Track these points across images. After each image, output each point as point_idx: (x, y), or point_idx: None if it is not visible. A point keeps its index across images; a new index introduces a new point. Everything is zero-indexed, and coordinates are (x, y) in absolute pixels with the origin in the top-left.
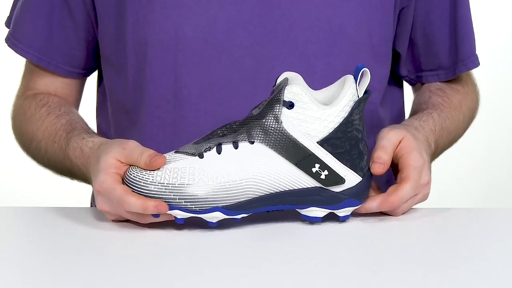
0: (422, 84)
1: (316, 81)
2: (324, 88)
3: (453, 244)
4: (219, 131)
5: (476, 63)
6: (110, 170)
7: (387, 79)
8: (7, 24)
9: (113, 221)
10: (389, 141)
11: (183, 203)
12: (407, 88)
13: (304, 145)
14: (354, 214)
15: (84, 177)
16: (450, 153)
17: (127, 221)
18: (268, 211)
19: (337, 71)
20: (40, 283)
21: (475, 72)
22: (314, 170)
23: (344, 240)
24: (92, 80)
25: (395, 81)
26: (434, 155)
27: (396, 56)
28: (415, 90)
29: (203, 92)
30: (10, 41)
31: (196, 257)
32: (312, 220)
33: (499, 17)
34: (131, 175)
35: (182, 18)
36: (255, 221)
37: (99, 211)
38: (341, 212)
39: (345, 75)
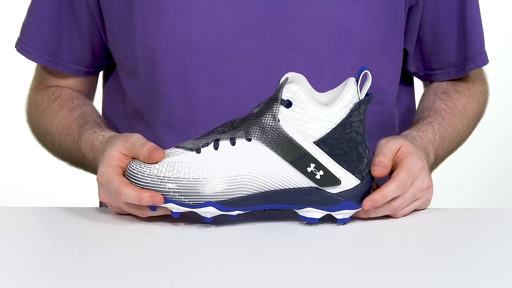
0: (431, 82)
1: (327, 86)
2: (329, 91)
3: (453, 244)
4: (220, 128)
5: (485, 61)
6: (112, 162)
7: (399, 78)
8: None
9: (116, 213)
10: (388, 148)
11: (177, 197)
12: (416, 85)
13: (300, 144)
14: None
15: (95, 170)
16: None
17: (129, 217)
18: (265, 210)
19: (347, 75)
20: (41, 283)
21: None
22: (309, 169)
23: (343, 240)
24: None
25: (403, 77)
26: (434, 165)
27: (404, 54)
28: (426, 85)
29: (213, 99)
30: (20, 46)
31: (194, 257)
32: (309, 221)
33: (499, 17)
34: (131, 167)
35: (191, 24)
36: (253, 220)
37: (101, 211)
38: (338, 214)
39: None
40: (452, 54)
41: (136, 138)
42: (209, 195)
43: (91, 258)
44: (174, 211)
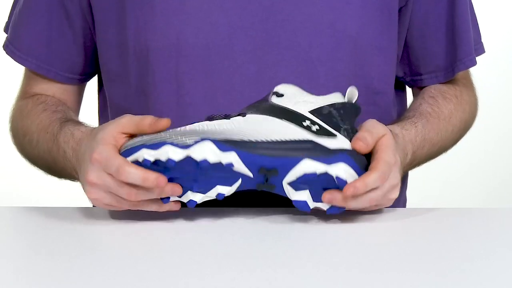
0: (419, 88)
1: (320, 86)
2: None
3: (453, 244)
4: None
5: (474, 62)
6: (110, 141)
7: (394, 80)
8: (6, 29)
9: (95, 205)
10: (376, 131)
11: (174, 137)
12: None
13: (294, 109)
14: (348, 214)
15: (65, 165)
16: (451, 153)
17: (129, 216)
18: (258, 190)
19: (340, 75)
20: (41, 283)
21: (475, 70)
22: (305, 124)
23: (342, 240)
24: (93, 84)
25: (396, 83)
26: (411, 165)
27: None
28: (415, 93)
29: (206, 99)
30: (9, 48)
31: (194, 258)
32: (301, 206)
33: (499, 17)
34: (127, 141)
35: (183, 24)
36: (252, 220)
37: (99, 212)
38: (334, 168)
39: (348, 79)
40: (441, 57)
41: (130, 115)
42: (207, 134)
43: (91, 258)
44: (170, 155)
